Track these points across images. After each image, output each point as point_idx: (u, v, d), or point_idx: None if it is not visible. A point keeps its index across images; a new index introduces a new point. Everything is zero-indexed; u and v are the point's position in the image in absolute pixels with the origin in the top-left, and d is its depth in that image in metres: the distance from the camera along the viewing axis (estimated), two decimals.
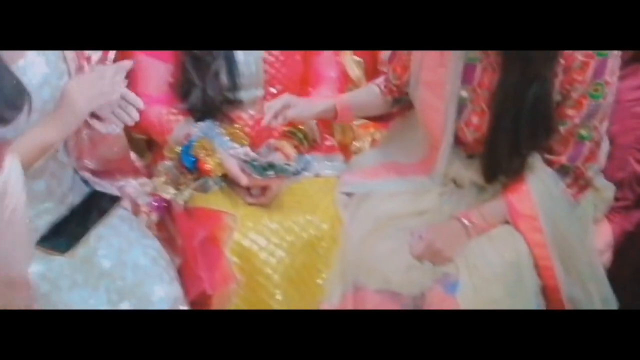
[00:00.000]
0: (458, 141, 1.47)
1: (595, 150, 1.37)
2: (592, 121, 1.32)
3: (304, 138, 1.65)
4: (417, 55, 1.48)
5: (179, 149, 1.55)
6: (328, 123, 1.74)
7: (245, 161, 1.50)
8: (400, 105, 1.63)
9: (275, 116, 1.50)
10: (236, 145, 1.55)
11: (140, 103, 1.27)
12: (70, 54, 1.31)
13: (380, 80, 1.64)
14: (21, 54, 1.21)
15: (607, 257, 1.47)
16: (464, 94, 1.40)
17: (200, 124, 1.56)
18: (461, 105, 1.42)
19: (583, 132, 1.34)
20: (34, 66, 1.23)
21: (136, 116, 1.28)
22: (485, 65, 1.37)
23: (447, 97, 1.40)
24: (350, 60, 1.86)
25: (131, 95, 1.25)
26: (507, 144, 1.35)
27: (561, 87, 1.31)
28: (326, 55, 1.73)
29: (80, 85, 1.19)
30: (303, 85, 1.73)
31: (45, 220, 1.34)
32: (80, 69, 1.35)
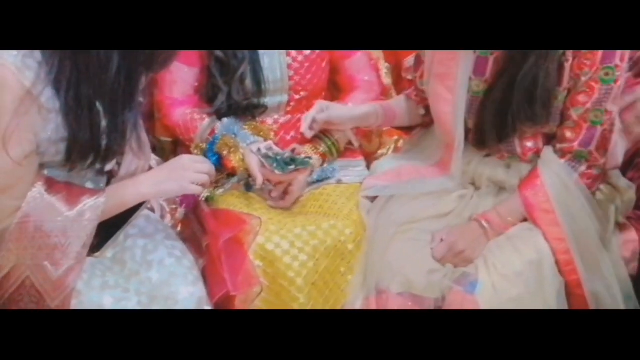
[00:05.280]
0: None
1: (607, 136, 1.37)
2: (603, 105, 1.33)
3: (332, 146, 1.64)
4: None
5: (204, 146, 1.58)
6: (359, 131, 1.70)
7: (267, 156, 1.52)
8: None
9: (312, 123, 1.52)
10: (260, 138, 1.57)
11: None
12: None
13: (410, 90, 1.65)
14: None
15: (633, 266, 1.44)
16: (477, 87, 1.42)
17: (224, 119, 1.59)
18: (475, 99, 1.43)
19: (594, 117, 1.34)
20: None
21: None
22: (497, 57, 1.38)
23: (457, 89, 1.41)
24: (383, 65, 1.81)
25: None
26: (496, 110, 1.37)
27: (572, 72, 1.32)
28: (358, 58, 1.71)
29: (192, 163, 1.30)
30: (336, 92, 1.73)
31: None
32: None
